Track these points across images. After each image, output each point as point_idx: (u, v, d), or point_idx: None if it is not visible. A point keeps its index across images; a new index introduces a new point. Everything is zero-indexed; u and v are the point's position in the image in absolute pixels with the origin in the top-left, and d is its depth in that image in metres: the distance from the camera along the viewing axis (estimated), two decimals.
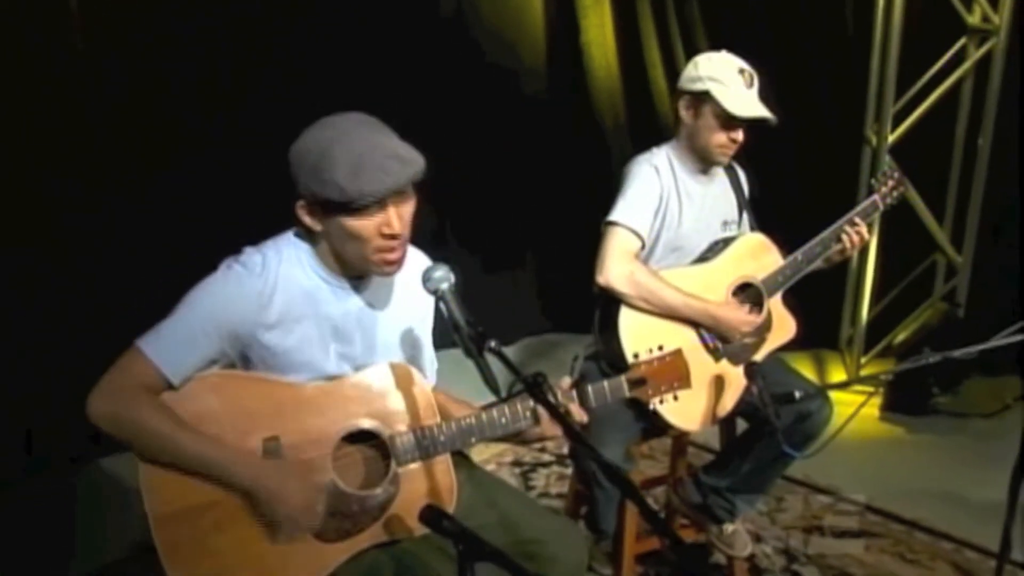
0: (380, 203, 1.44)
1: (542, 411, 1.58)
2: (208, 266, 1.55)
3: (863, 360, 4.07)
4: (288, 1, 3.42)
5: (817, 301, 2.46)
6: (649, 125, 4.28)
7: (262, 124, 3.11)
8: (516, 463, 3.29)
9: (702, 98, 2.15)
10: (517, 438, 1.65)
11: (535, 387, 1.30)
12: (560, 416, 1.29)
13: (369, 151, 1.41)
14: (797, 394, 2.05)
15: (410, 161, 1.44)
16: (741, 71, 2.14)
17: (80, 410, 1.44)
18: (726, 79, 2.12)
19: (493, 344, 1.34)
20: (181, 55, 3.10)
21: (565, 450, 3.34)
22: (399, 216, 1.48)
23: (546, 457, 3.35)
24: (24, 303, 2.86)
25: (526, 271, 4.62)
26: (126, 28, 3.02)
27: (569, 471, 3.07)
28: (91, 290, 2.96)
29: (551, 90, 4.41)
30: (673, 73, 4.26)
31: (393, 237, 1.48)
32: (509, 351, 1.44)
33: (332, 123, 1.46)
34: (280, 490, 1.45)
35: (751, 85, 2.15)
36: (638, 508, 1.09)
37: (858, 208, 2.36)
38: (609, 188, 2.28)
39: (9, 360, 2.83)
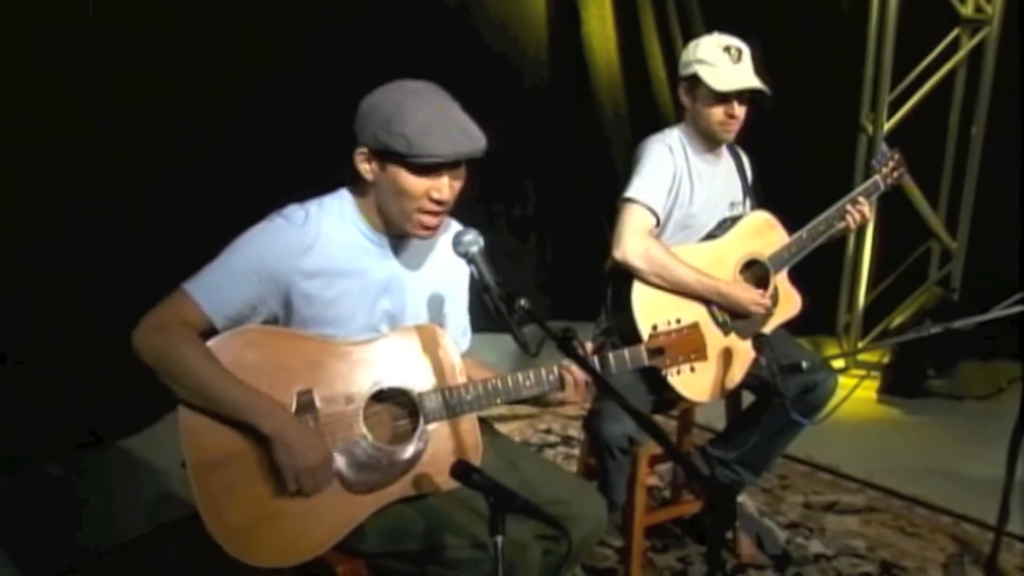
0: (437, 168, 1.51)
1: (566, 376, 1.64)
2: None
3: (860, 345, 4.17)
4: None
5: (814, 288, 2.52)
6: (649, 115, 4.35)
7: (266, 111, 3.15)
8: (523, 443, 3.33)
9: (694, 81, 2.24)
10: (540, 401, 1.70)
11: (565, 342, 1.35)
12: (591, 369, 1.35)
13: (442, 116, 1.50)
14: (804, 364, 2.11)
15: (476, 137, 1.53)
16: (727, 48, 2.21)
17: (85, 401, 1.46)
18: (712, 59, 2.20)
19: (523, 302, 1.39)
20: (189, 38, 3.13)
21: (571, 432, 3.41)
22: (450, 186, 1.56)
23: (552, 438, 3.40)
24: (29, 292, 2.87)
25: (528, 258, 4.65)
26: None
27: (576, 452, 3.11)
28: (105, 273, 2.96)
29: (552, 81, 4.48)
30: (672, 64, 4.32)
31: (439, 203, 1.55)
32: None
33: (411, 84, 1.55)
34: (297, 445, 1.49)
35: (738, 60, 2.21)
36: (670, 455, 1.14)
37: (860, 188, 2.43)
38: (610, 177, 2.34)
39: (19, 345, 2.85)
